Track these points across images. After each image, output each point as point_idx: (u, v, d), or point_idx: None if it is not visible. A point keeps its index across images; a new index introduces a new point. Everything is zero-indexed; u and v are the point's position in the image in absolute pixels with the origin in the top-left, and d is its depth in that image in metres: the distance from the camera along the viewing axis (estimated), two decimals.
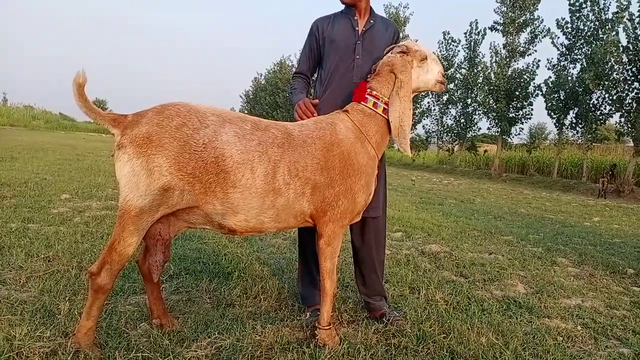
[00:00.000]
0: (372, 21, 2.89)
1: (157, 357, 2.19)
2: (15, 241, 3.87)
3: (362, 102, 2.57)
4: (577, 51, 20.72)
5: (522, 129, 28.40)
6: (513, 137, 25.10)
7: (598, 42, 18.55)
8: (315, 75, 3.13)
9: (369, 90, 2.58)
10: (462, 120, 27.98)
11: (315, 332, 2.50)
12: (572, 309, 3.50)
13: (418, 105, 28.13)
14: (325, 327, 2.48)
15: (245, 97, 60.79)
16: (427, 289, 3.59)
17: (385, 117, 2.53)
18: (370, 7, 2.94)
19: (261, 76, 54.76)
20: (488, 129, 26.00)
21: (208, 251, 4.05)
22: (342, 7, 2.95)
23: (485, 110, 24.88)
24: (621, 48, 17.08)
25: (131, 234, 2.10)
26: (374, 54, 2.75)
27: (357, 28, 2.87)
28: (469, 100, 27.17)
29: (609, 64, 17.77)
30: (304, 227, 2.66)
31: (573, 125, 21.25)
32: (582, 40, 20.17)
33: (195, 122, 2.16)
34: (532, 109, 23.60)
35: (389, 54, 2.64)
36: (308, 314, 2.87)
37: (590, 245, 6.24)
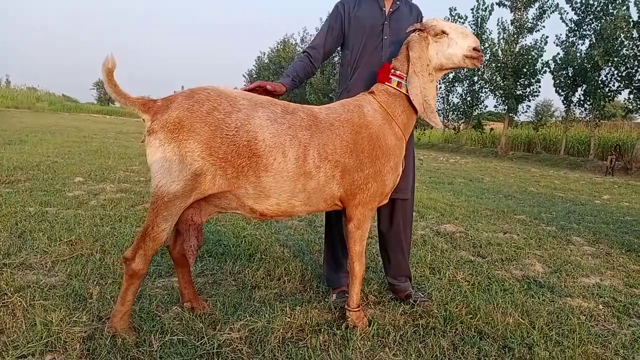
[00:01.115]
0: (397, 2, 2.87)
1: (192, 339, 2.22)
2: (35, 225, 3.90)
3: (386, 83, 2.55)
4: (586, 27, 20.41)
5: (529, 106, 28.04)
6: (520, 114, 24.94)
7: (608, 18, 18.26)
8: (336, 58, 3.09)
9: (392, 70, 2.55)
10: (469, 98, 27.78)
11: (346, 314, 2.53)
12: (592, 288, 3.52)
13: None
14: (355, 309, 2.50)
15: (248, 76, 60.33)
16: (447, 270, 3.61)
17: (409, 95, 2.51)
18: None
19: (264, 55, 54.29)
20: (495, 106, 25.82)
21: (227, 234, 4.08)
22: None
23: (492, 87, 24.65)
24: (631, 23, 16.82)
25: (164, 219, 2.11)
26: (401, 35, 2.71)
27: (384, 9, 2.84)
28: (475, 78, 26.90)
29: (619, 39, 17.54)
30: (336, 211, 2.66)
31: (581, 102, 21.05)
32: (592, 16, 19.85)
33: (226, 106, 2.15)
34: (539, 86, 23.36)
35: (410, 33, 2.61)
36: (334, 295, 2.89)
37: (603, 224, 6.24)
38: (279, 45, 48.16)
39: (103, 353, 2.02)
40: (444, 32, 2.46)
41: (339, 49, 3.07)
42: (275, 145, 2.17)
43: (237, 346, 2.20)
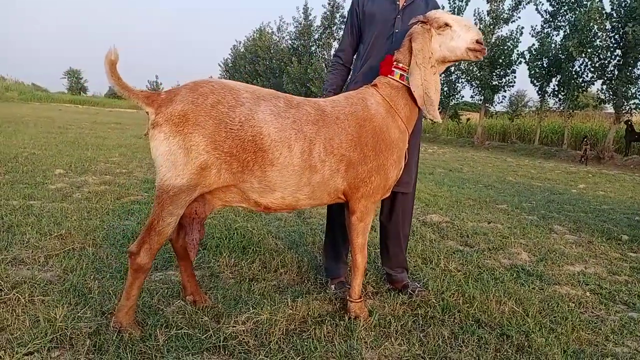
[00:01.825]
0: None
1: (197, 333, 2.22)
2: (22, 219, 3.82)
3: (389, 75, 2.56)
4: (560, 18, 20.78)
5: (505, 96, 28.48)
6: (496, 105, 25.29)
7: (582, 9, 18.61)
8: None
9: (395, 62, 2.56)
10: (445, 88, 28.01)
11: (347, 305, 2.56)
12: (578, 276, 3.63)
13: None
14: (357, 300, 2.54)
15: (224, 65, 59.63)
16: (439, 259, 3.67)
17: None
18: None
19: (240, 44, 53.70)
20: (471, 97, 26.13)
21: (219, 226, 4.06)
22: None
23: (469, 78, 24.92)
24: (605, 15, 17.19)
25: (170, 213, 2.10)
26: None
27: (397, 2, 2.86)
28: (452, 68, 27.13)
29: (592, 31, 17.90)
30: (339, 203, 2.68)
31: (555, 92, 21.45)
32: (566, 7, 20.21)
33: (230, 100, 2.14)
34: (515, 77, 23.74)
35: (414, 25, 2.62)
36: (333, 286, 2.92)
37: (582, 212, 6.41)
38: (255, 34, 47.69)
39: (111, 348, 2.01)
40: (447, 25, 2.46)
41: None
42: (280, 139, 2.18)
43: (243, 339, 2.21)
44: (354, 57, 3.07)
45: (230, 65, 56.71)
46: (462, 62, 2.98)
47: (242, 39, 54.25)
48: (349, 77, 3.10)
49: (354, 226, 2.49)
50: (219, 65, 60.95)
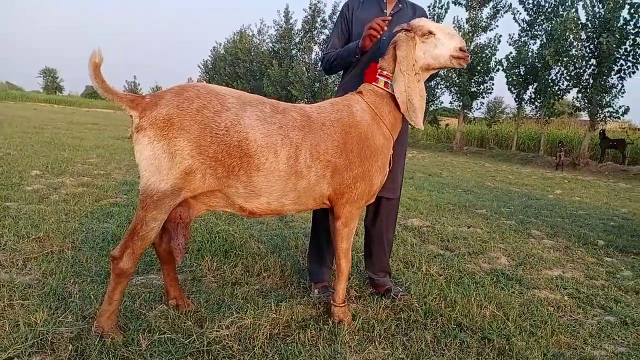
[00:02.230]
0: (400, 5, 2.91)
1: (180, 338, 2.20)
2: None
3: (373, 83, 2.58)
4: (537, 27, 21.20)
5: (483, 103, 28.88)
6: (474, 111, 25.63)
7: (558, 19, 19.02)
8: None
9: (379, 70, 2.59)
10: (425, 94, 28.27)
11: (331, 309, 2.57)
12: (556, 280, 3.70)
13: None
14: (340, 305, 2.55)
15: (203, 66, 59.24)
16: (420, 263, 3.71)
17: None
18: None
19: (220, 45, 53.42)
20: (450, 102, 26.42)
21: (201, 230, 4.03)
22: None
23: (448, 84, 25.22)
24: (580, 25, 17.57)
25: (153, 218, 2.08)
26: None
27: (385, 11, 2.89)
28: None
29: (568, 40, 18.28)
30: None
31: (532, 100, 21.85)
32: (543, 17, 20.63)
33: (216, 105, 2.14)
34: (493, 84, 24.09)
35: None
36: (316, 290, 2.93)
37: (559, 218, 6.54)
38: (235, 36, 47.52)
39: (93, 353, 1.98)
40: (431, 33, 2.49)
41: None
42: (267, 145, 2.18)
43: (227, 343, 2.20)
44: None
45: (210, 66, 56.38)
46: (445, 69, 2.99)
47: (222, 41, 53.89)
48: (340, 84, 3.10)
49: (339, 231, 2.50)
50: (199, 66, 60.51)
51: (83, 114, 28.34)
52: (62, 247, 3.31)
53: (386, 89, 2.54)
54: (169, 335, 2.20)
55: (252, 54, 42.32)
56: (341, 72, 3.11)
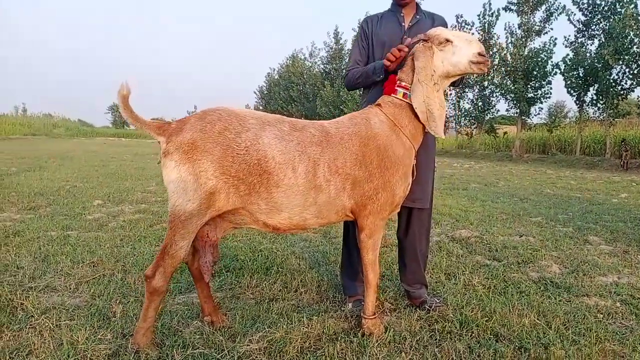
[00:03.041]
0: (417, 17, 2.95)
1: (212, 353, 2.28)
2: (58, 249, 4.01)
3: (392, 94, 2.61)
4: (594, 27, 20.37)
5: (542, 108, 27.97)
6: (533, 117, 24.82)
7: (616, 16, 18.21)
8: None
9: (398, 81, 2.61)
10: (480, 103, 27.72)
11: (361, 322, 2.58)
12: (610, 287, 3.52)
13: (445, 96, 27.87)
14: (371, 317, 2.55)
15: (259, 93, 60.92)
16: (463, 274, 3.64)
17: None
18: (417, 4, 3.02)
19: (274, 71, 54.85)
20: (507, 110, 25.74)
21: (244, 249, 4.15)
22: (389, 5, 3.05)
23: (503, 91, 24.61)
24: None
25: (182, 237, 2.19)
26: None
27: (403, 24, 2.94)
28: (485, 83, 26.89)
29: (628, 37, 17.44)
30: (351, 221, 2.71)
31: (594, 102, 20.90)
32: (600, 15, 19.82)
33: (236, 126, 2.24)
34: (550, 88, 23.30)
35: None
36: (350, 304, 2.94)
37: (621, 222, 6.20)
38: (288, 61, 48.64)
39: None
40: (448, 40, 2.50)
41: None
42: (285, 161, 2.25)
43: (256, 357, 2.26)
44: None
45: (265, 92, 57.86)
46: (467, 75, 2.93)
47: (275, 66, 55.38)
48: (362, 99, 3.14)
49: (364, 243, 2.52)
50: (255, 92, 62.28)
51: (147, 145, 29.73)
52: (113, 271, 3.51)
53: (405, 100, 2.56)
54: (201, 350, 2.29)
55: (305, 76, 43.15)
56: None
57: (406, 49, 2.62)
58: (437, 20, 2.99)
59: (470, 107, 28.63)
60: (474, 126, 29.25)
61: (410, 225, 3.04)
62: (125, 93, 2.22)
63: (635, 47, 17.40)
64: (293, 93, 44.63)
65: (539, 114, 24.73)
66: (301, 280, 3.38)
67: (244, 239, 4.57)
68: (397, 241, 3.24)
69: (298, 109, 42.75)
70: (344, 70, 2.62)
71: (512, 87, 23.55)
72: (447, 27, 2.93)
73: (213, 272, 2.48)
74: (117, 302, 2.88)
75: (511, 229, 5.59)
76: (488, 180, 11.94)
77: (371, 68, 2.87)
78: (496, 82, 25.20)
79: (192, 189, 2.16)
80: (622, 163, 17.18)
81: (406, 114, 2.55)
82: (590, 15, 20.32)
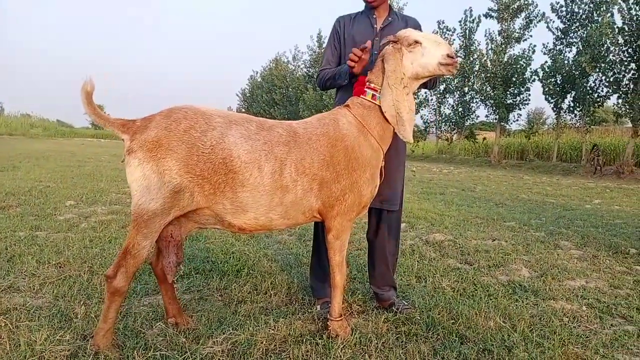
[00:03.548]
0: (390, 19, 2.96)
1: (175, 355, 2.25)
2: (25, 249, 3.92)
3: (361, 96, 2.61)
4: (572, 34, 20.67)
5: (520, 115, 28.32)
6: (511, 123, 25.11)
7: (593, 25, 18.50)
8: None
9: (367, 82, 2.62)
10: (460, 109, 27.97)
11: (327, 323, 2.56)
12: (577, 290, 3.56)
13: (415, 96, 28.10)
14: (337, 319, 2.54)
15: (241, 95, 60.67)
16: (434, 277, 3.65)
17: None
18: (389, 6, 3.03)
19: (257, 74, 54.67)
20: (486, 116, 25.99)
21: (216, 250, 4.11)
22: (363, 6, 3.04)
23: (483, 97, 24.85)
24: (616, 29, 17.04)
25: (145, 237, 2.16)
26: None
27: (375, 25, 2.94)
28: (466, 89, 27.14)
29: (605, 46, 17.75)
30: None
31: (571, 109, 21.23)
32: (578, 23, 20.12)
33: (202, 125, 2.21)
34: (529, 95, 23.54)
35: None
36: (318, 306, 2.93)
37: (592, 227, 6.29)
38: (271, 64, 48.54)
39: None
40: (417, 42, 2.51)
41: None
42: (251, 161, 2.23)
43: (219, 359, 2.23)
44: None
45: (248, 95, 57.64)
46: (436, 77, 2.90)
47: (259, 69, 55.19)
48: (336, 100, 3.14)
49: (331, 244, 2.51)
50: (237, 95, 62.01)
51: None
52: (80, 272, 3.44)
53: (373, 101, 2.56)
54: (163, 352, 2.25)
55: (288, 80, 43.06)
56: None
57: (369, 47, 2.61)
58: (410, 22, 3.00)
59: (450, 113, 28.88)
60: (454, 132, 29.50)
61: (379, 227, 3.04)
62: (89, 89, 2.18)
63: (611, 55, 17.71)
64: (276, 96, 44.50)
65: (517, 120, 25.04)
66: (271, 283, 3.36)
67: (218, 240, 4.53)
68: (367, 243, 3.24)
69: (281, 112, 42.62)
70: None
71: (492, 93, 23.80)
72: (420, 30, 2.95)
73: (177, 273, 2.44)
74: (81, 303, 2.83)
75: (485, 233, 5.64)
76: (466, 185, 12.05)
77: (338, 73, 2.88)
78: (476, 87, 25.45)
79: (156, 187, 2.13)
80: (594, 169, 17.55)
81: (375, 115, 2.56)
82: (568, 23, 20.63)
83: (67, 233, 4.65)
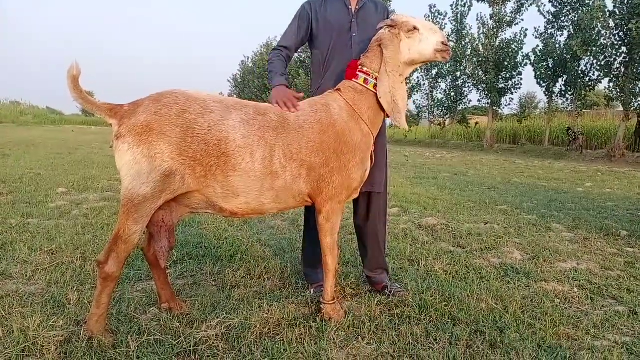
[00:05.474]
0: (363, 1, 2.92)
1: (169, 339, 2.25)
2: (17, 236, 3.90)
3: (353, 79, 2.60)
4: (564, 18, 20.67)
5: (512, 99, 28.42)
6: (503, 107, 25.18)
7: (584, 8, 18.49)
8: (307, 59, 3.10)
9: (360, 66, 2.61)
10: (453, 94, 27.99)
11: (321, 307, 2.57)
12: (568, 272, 3.60)
13: (407, 81, 28.03)
14: (330, 302, 2.55)
15: (233, 81, 60.23)
16: (426, 261, 3.67)
17: (376, 93, 2.55)
18: None
19: (248, 59, 54.23)
20: (478, 101, 26.04)
21: (209, 236, 4.11)
22: None
23: (475, 82, 24.88)
24: (607, 13, 17.03)
25: (135, 222, 2.15)
26: (368, 32, 2.76)
27: (350, 7, 2.90)
28: (458, 73, 27.15)
29: (596, 29, 17.76)
30: (311, 206, 2.69)
31: (562, 92, 21.29)
32: (569, 7, 20.11)
33: (197, 108, 2.20)
34: (521, 79, 23.63)
35: (380, 30, 2.66)
36: (312, 290, 2.94)
37: (584, 210, 6.34)
38: (262, 49, 48.14)
39: (79, 355, 2.05)
40: (415, 28, 2.51)
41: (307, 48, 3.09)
42: (244, 146, 2.22)
43: (213, 343, 2.24)
44: (312, 63, 3.08)
45: (239, 80, 57.24)
46: (447, 65, 2.89)
47: (250, 55, 54.76)
48: (311, 86, 3.10)
49: (322, 226, 2.51)
50: (228, 81, 61.56)
51: None
52: (72, 258, 3.42)
53: (366, 86, 2.55)
54: (157, 337, 2.25)
55: None
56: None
57: (299, 96, 2.61)
58: (379, 6, 3.00)
59: (443, 98, 28.88)
60: (447, 116, 29.53)
61: (370, 210, 3.04)
62: (75, 73, 2.16)
63: (602, 39, 17.72)
64: (267, 82, 44.23)
65: (509, 104, 25.10)
66: (265, 267, 3.36)
67: (211, 226, 4.53)
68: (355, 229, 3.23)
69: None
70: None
71: (484, 78, 23.81)
72: (388, 13, 2.95)
73: (170, 258, 2.44)
74: (74, 289, 2.82)
75: (477, 217, 5.67)
76: (458, 170, 12.09)
77: (272, 74, 2.86)
78: (468, 72, 25.42)
79: (147, 171, 2.12)
80: (575, 147, 18.04)
81: (366, 100, 2.55)
82: (559, 7, 20.61)
83: (59, 220, 4.63)
